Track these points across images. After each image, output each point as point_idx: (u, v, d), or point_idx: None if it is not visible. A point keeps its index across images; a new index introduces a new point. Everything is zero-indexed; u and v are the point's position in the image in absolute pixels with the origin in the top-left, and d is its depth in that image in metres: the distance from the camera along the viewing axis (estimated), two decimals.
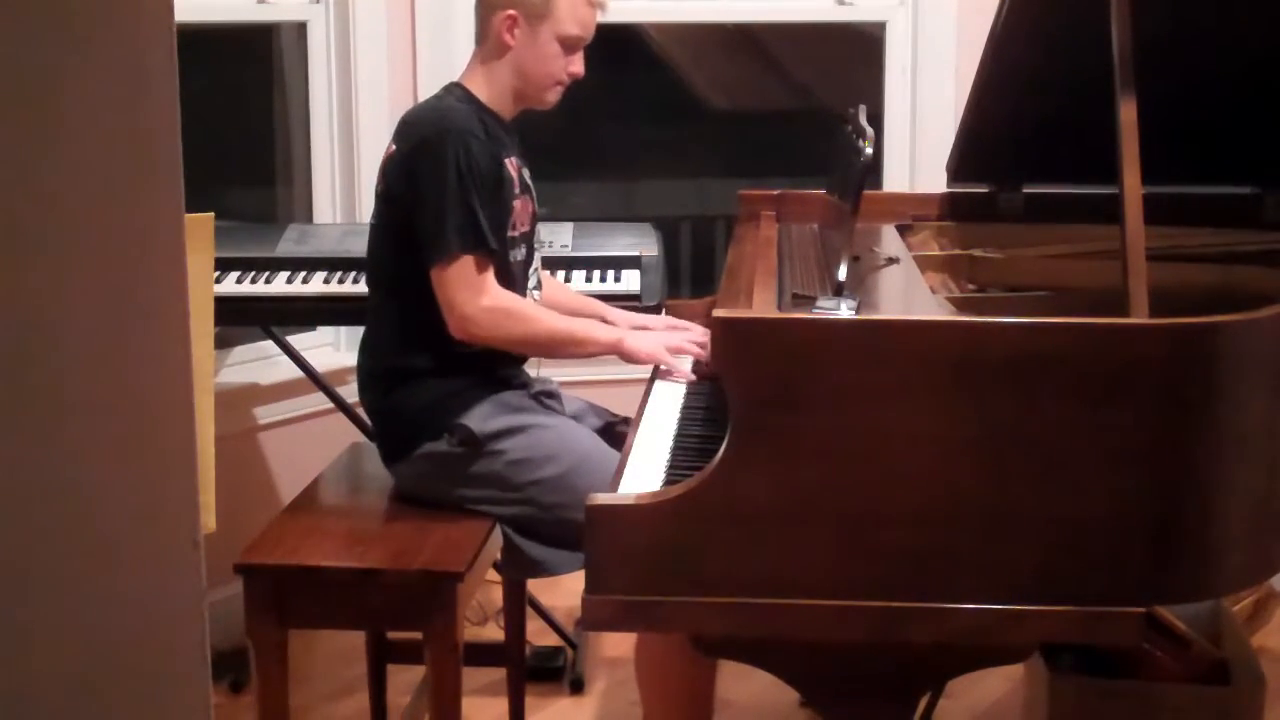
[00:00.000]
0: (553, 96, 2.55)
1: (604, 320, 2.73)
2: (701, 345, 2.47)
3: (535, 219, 2.61)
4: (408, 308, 2.46)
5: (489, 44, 2.51)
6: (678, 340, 2.51)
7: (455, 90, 2.52)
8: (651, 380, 2.48)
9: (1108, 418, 1.72)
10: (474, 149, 2.37)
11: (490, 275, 2.39)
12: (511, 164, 2.49)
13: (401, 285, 2.46)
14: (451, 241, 2.34)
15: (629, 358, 2.49)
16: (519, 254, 2.52)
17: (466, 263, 2.36)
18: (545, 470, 2.40)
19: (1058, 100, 2.44)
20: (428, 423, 2.44)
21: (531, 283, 2.60)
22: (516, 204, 2.49)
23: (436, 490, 2.44)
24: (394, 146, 2.47)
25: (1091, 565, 1.74)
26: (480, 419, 2.43)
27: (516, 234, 2.51)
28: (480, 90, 2.51)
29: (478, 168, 2.37)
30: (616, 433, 2.58)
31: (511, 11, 2.47)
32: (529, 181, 2.58)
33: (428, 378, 2.46)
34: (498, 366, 2.50)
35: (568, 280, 3.00)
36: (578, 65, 2.53)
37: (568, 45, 2.50)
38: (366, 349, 2.57)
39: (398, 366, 2.49)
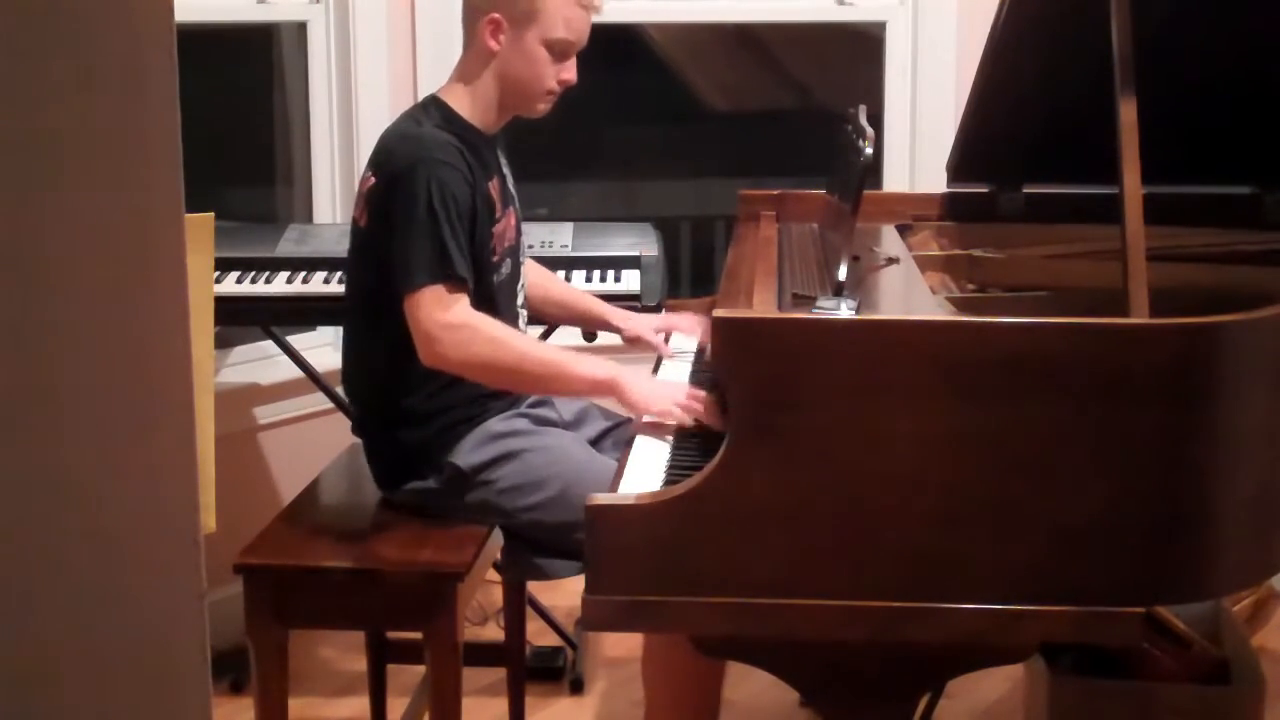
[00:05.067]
0: (543, 106, 2.43)
1: (605, 320, 2.71)
2: (703, 403, 2.16)
3: (520, 231, 2.53)
4: (388, 344, 2.36)
5: (473, 50, 2.41)
6: (684, 399, 2.18)
7: (433, 109, 2.40)
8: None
9: (1108, 418, 1.72)
10: (448, 179, 2.27)
11: (459, 298, 2.27)
12: (493, 186, 2.40)
13: (383, 321, 2.35)
14: (419, 272, 2.24)
15: (625, 399, 2.24)
16: (502, 273, 2.44)
17: (434, 290, 2.24)
18: (539, 494, 2.34)
19: (1057, 100, 2.44)
20: (414, 463, 2.39)
21: (519, 300, 2.53)
22: (496, 230, 2.40)
23: (432, 516, 2.39)
24: (372, 179, 2.37)
25: (1091, 565, 1.74)
26: (467, 453, 2.37)
27: (497, 256, 2.41)
28: (461, 103, 2.41)
29: (450, 198, 2.26)
30: (619, 435, 2.56)
31: (495, 15, 2.35)
32: (512, 192, 2.51)
33: (408, 420, 2.39)
34: (479, 403, 2.42)
35: (568, 280, 2.99)
36: (569, 72, 2.41)
37: (557, 51, 2.37)
38: (346, 381, 2.52)
39: (378, 407, 2.44)
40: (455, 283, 2.26)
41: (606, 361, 2.37)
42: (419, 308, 2.25)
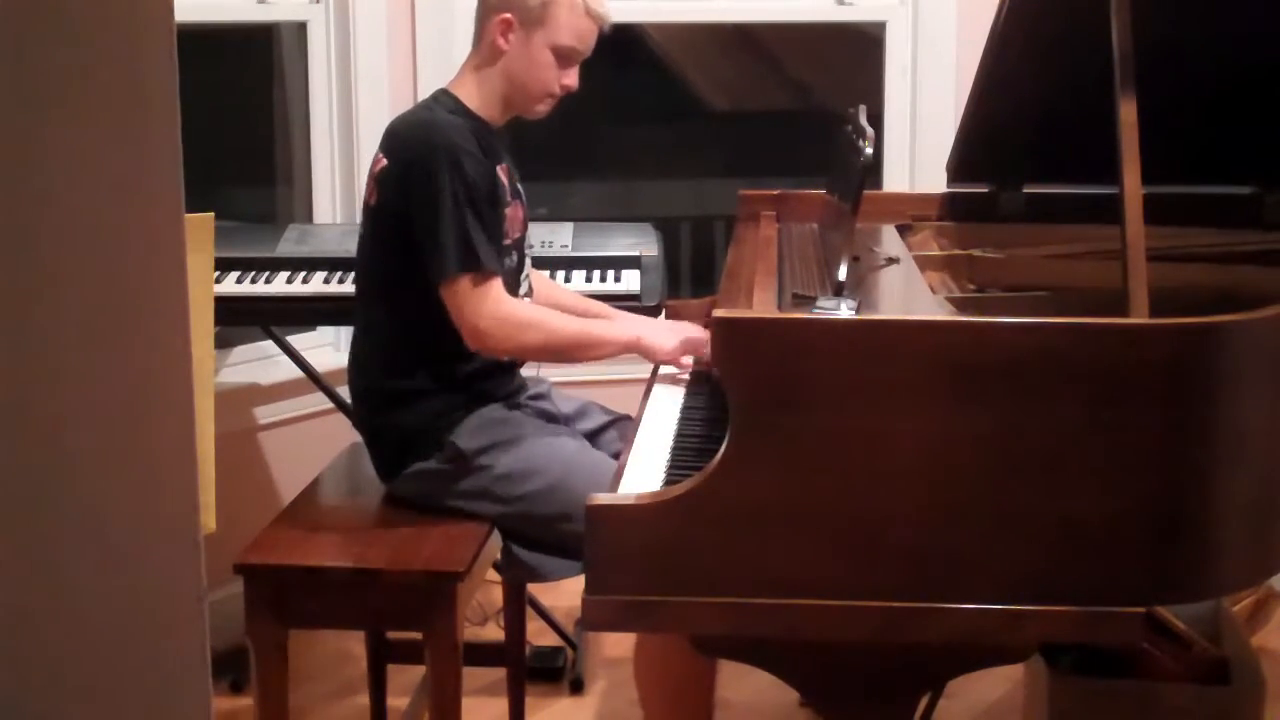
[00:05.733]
0: (542, 108, 2.51)
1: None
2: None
3: (526, 224, 2.58)
4: (397, 324, 2.45)
5: (483, 48, 2.48)
6: (697, 337, 2.44)
7: (444, 99, 2.48)
8: (652, 380, 2.47)
9: (1108, 418, 1.72)
10: (465, 164, 2.34)
11: (494, 286, 2.36)
12: (503, 170, 2.46)
13: (392, 301, 2.45)
14: (450, 263, 2.32)
15: (648, 354, 2.46)
16: (511, 261, 2.50)
17: (468, 280, 2.34)
18: (532, 484, 2.38)
19: (1058, 100, 2.44)
20: (417, 443, 2.43)
21: (523, 289, 2.57)
22: (508, 211, 2.47)
23: (432, 503, 2.42)
24: (384, 160, 2.43)
25: (1092, 565, 1.74)
26: (467, 435, 2.42)
27: (509, 241, 2.48)
28: (470, 96, 2.48)
29: (471, 183, 2.34)
30: (616, 431, 2.58)
31: (507, 15, 2.43)
32: (519, 187, 2.56)
33: (415, 398, 2.44)
34: (485, 381, 2.48)
35: (567, 280, 2.99)
36: (571, 78, 2.49)
37: (562, 56, 2.45)
38: (355, 365, 2.55)
39: (386, 387, 2.47)
40: (485, 271, 2.35)
41: (624, 321, 2.59)
42: (458, 299, 2.35)
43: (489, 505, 2.40)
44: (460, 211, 2.32)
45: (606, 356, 2.55)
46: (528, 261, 2.61)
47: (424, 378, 2.44)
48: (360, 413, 2.57)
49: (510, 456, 2.41)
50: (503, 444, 2.42)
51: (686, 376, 2.42)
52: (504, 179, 2.46)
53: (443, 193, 2.31)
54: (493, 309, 2.36)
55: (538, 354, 2.54)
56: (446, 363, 2.43)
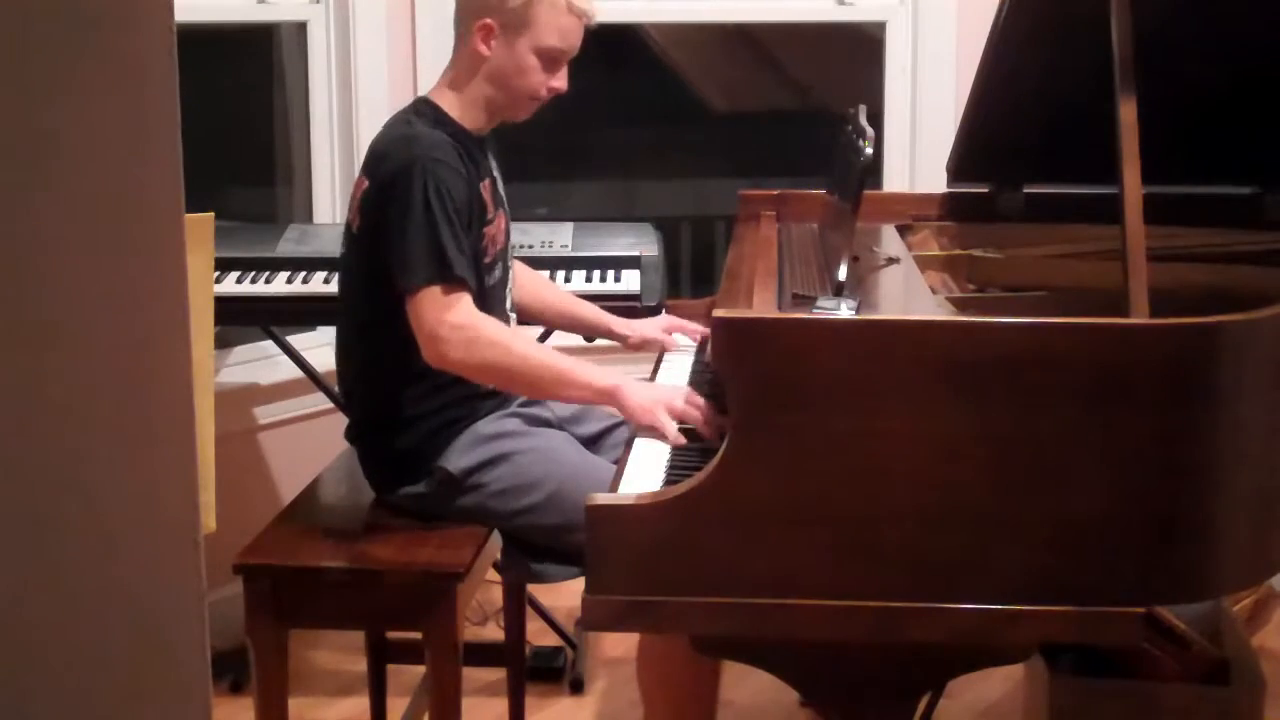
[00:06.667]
0: (526, 111, 2.44)
1: (609, 329, 2.70)
2: (700, 410, 2.14)
3: (509, 234, 2.52)
4: (380, 349, 2.37)
5: (464, 54, 2.40)
6: (681, 405, 2.15)
7: (424, 109, 2.40)
8: (653, 378, 2.47)
9: (1107, 418, 1.72)
10: (444, 176, 2.26)
11: (461, 298, 2.26)
12: (485, 187, 2.40)
13: (372, 324, 2.37)
14: (418, 272, 2.23)
15: (623, 409, 2.21)
16: (495, 275, 2.43)
17: (434, 290, 2.24)
18: (532, 496, 2.33)
19: (1057, 100, 2.44)
20: (405, 469, 2.38)
21: (508, 304, 2.52)
22: (490, 228, 2.40)
23: (427, 521, 2.38)
24: (366, 182, 2.35)
25: (1091, 565, 1.74)
26: (457, 456, 2.36)
27: (489, 259, 2.41)
28: (451, 105, 2.40)
29: (448, 195, 2.25)
30: (617, 434, 2.56)
31: (488, 20, 2.35)
32: (502, 195, 2.50)
33: (400, 425, 2.38)
34: (470, 401, 2.40)
35: (567, 280, 2.99)
36: (560, 80, 2.41)
37: (547, 59, 2.37)
38: (340, 387, 2.51)
39: (372, 411, 2.43)
40: (455, 283, 2.25)
41: (609, 370, 2.34)
42: (421, 307, 2.25)
43: (488, 521, 2.36)
44: (432, 218, 2.23)
45: (575, 400, 2.40)
46: (511, 274, 2.55)
47: (408, 403, 2.38)
48: (349, 432, 2.53)
49: (504, 473, 2.35)
50: (495, 461, 2.36)
51: (675, 440, 2.14)
52: (486, 196, 2.40)
53: (414, 202, 2.23)
54: (454, 318, 2.23)
55: (496, 375, 2.32)
56: (431, 390, 2.37)
